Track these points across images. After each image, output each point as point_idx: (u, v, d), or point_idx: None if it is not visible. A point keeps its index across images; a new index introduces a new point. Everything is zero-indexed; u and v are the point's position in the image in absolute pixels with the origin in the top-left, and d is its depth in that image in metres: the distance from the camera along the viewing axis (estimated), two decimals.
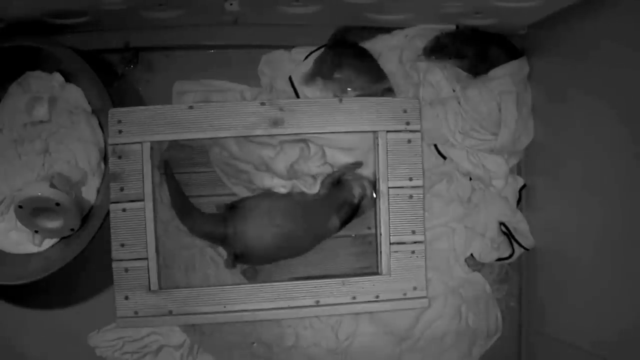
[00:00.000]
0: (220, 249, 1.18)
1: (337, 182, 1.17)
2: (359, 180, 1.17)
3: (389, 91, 1.19)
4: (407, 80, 1.21)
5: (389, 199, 1.14)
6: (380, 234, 1.14)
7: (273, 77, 1.23)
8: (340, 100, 1.13)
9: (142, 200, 1.09)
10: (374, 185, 1.16)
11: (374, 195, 1.17)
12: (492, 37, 1.23)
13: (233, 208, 1.14)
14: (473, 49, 1.22)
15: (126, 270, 1.09)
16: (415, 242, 1.14)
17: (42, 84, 1.17)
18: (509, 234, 1.23)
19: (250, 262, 1.17)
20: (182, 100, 1.21)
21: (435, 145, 1.24)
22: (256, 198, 1.17)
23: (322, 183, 1.17)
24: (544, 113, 1.20)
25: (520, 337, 1.30)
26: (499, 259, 1.25)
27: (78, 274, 1.17)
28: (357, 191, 1.16)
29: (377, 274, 1.16)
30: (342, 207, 1.16)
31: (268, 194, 1.17)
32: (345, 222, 1.17)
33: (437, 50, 1.21)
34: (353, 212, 1.17)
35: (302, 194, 1.16)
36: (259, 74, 1.24)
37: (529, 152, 1.25)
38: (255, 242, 1.12)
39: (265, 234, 1.12)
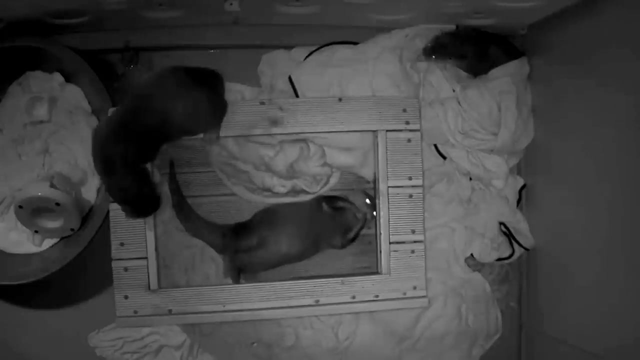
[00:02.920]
0: None
1: (335, 207, 1.17)
2: (356, 209, 1.18)
3: None
4: (407, 80, 1.20)
5: (388, 198, 1.14)
6: (380, 234, 1.15)
7: (273, 77, 1.23)
8: (340, 100, 1.14)
9: None
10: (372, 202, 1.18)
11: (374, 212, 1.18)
12: (492, 37, 1.23)
13: (236, 230, 1.16)
14: (473, 49, 1.22)
15: (126, 269, 1.09)
16: (415, 242, 1.15)
17: (42, 84, 1.17)
18: (509, 234, 1.23)
19: (253, 272, 1.18)
20: None
21: (435, 145, 1.24)
22: (259, 218, 1.17)
23: (328, 201, 1.18)
24: (544, 113, 1.20)
25: (520, 337, 1.30)
26: (499, 259, 1.25)
27: (78, 274, 1.17)
28: (358, 218, 1.17)
29: (376, 273, 1.16)
30: (345, 231, 1.17)
31: (271, 211, 1.17)
32: (348, 243, 1.19)
33: (437, 50, 1.21)
34: (355, 236, 1.18)
35: (310, 208, 1.17)
36: (259, 74, 1.24)
37: (529, 152, 1.25)
38: (260, 260, 1.13)
39: (271, 255, 1.13)
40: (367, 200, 1.18)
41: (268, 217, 1.16)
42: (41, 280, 1.09)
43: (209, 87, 1.03)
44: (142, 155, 0.98)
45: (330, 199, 1.18)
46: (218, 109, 1.07)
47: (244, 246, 1.13)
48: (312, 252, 1.18)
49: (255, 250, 1.13)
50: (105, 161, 0.96)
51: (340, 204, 1.18)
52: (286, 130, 1.13)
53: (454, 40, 1.21)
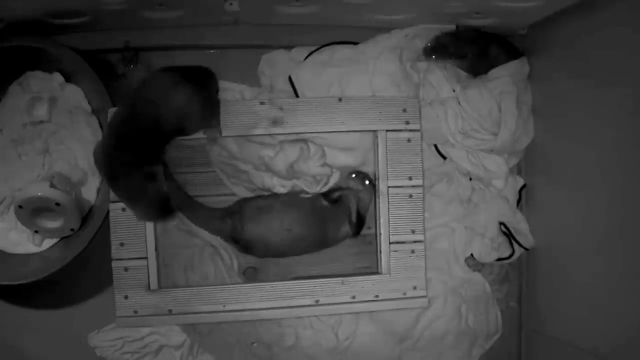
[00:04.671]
0: (222, 250, 1.18)
1: (334, 200, 1.17)
2: (355, 192, 1.17)
3: None
4: (407, 80, 1.20)
5: (388, 198, 1.14)
6: (380, 234, 1.15)
7: (273, 77, 1.23)
8: (340, 100, 1.14)
9: None
10: (368, 178, 1.17)
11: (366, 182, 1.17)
12: (492, 37, 1.23)
13: (245, 201, 1.16)
14: (473, 49, 1.22)
15: (126, 269, 1.09)
16: (415, 242, 1.15)
17: (42, 84, 1.17)
18: (509, 234, 1.23)
19: (254, 253, 1.17)
20: None
21: (435, 145, 1.24)
22: (267, 198, 1.17)
23: (326, 196, 1.17)
24: (544, 113, 1.20)
25: (520, 337, 1.30)
26: (499, 259, 1.25)
27: (78, 274, 1.17)
28: (353, 204, 1.17)
29: (376, 273, 1.16)
30: (349, 215, 1.16)
31: (277, 196, 1.17)
32: (357, 227, 1.17)
33: (438, 50, 1.21)
34: (359, 216, 1.17)
35: (313, 200, 1.17)
36: (259, 74, 1.24)
37: (529, 152, 1.25)
38: (260, 236, 1.13)
39: (271, 232, 1.12)
40: (367, 182, 1.17)
41: (272, 195, 1.17)
42: (41, 280, 1.09)
43: (197, 84, 1.03)
44: (146, 158, 0.99)
45: (326, 194, 1.18)
46: (208, 106, 1.07)
47: (253, 204, 1.13)
48: (317, 244, 1.17)
49: (262, 213, 1.12)
50: (110, 170, 0.98)
51: (337, 193, 1.18)
52: (286, 130, 1.13)
53: (454, 40, 1.21)
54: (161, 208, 1.03)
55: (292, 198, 1.17)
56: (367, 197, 1.17)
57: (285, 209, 1.14)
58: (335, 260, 1.21)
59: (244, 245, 1.14)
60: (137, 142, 0.97)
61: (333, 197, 1.17)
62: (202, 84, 1.04)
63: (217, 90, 1.10)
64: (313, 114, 1.14)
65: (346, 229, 1.16)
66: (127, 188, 0.99)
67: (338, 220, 1.16)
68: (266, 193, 1.19)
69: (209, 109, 1.07)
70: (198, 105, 1.02)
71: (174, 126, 1.01)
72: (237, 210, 1.14)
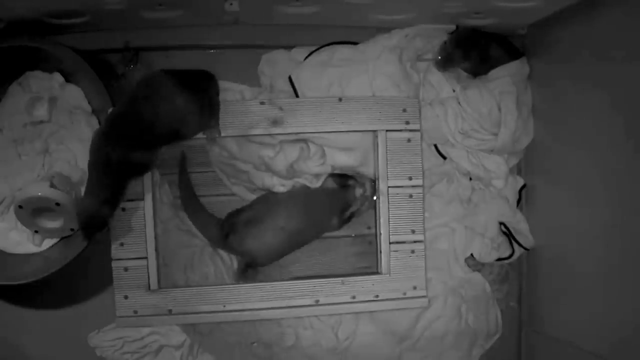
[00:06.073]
0: (222, 251, 1.18)
1: (342, 185, 1.17)
2: (361, 186, 1.18)
3: None
4: (407, 80, 1.20)
5: (388, 198, 1.14)
6: (380, 234, 1.15)
7: (273, 77, 1.23)
8: (340, 100, 1.14)
9: (142, 199, 1.10)
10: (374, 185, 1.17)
11: (374, 197, 1.17)
12: (492, 37, 1.23)
13: (233, 219, 1.16)
14: (476, 52, 1.22)
15: (126, 269, 1.09)
16: (415, 242, 1.15)
17: (42, 84, 1.17)
18: (509, 234, 1.23)
19: (259, 264, 1.18)
20: None
21: (435, 145, 1.24)
22: (255, 205, 1.17)
23: (329, 179, 1.18)
24: (544, 113, 1.20)
25: (520, 337, 1.30)
26: (499, 259, 1.25)
27: (78, 274, 1.17)
28: (357, 196, 1.17)
29: (376, 273, 1.16)
30: (343, 209, 1.16)
31: (265, 198, 1.18)
32: (344, 223, 1.19)
33: (448, 61, 1.20)
34: (351, 215, 1.19)
35: (303, 187, 1.17)
36: (259, 74, 1.24)
37: (529, 152, 1.25)
38: (260, 249, 1.13)
39: (268, 239, 1.13)
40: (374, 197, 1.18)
41: (264, 197, 1.18)
42: (41, 280, 1.09)
43: (196, 90, 1.02)
44: (131, 161, 0.97)
45: (339, 175, 1.19)
46: (207, 110, 1.06)
47: (241, 220, 1.14)
48: (312, 234, 1.18)
49: (253, 226, 1.13)
50: (96, 153, 0.96)
51: (350, 181, 1.18)
52: (286, 130, 1.14)
53: (460, 46, 1.20)
54: (85, 222, 0.99)
55: (281, 195, 1.17)
56: (367, 205, 1.18)
57: (274, 209, 1.14)
58: (335, 261, 1.21)
59: (247, 259, 1.15)
60: (121, 140, 0.96)
61: (345, 183, 1.18)
62: (201, 89, 1.04)
63: (218, 93, 1.09)
64: (313, 114, 1.14)
65: (335, 221, 1.17)
66: (97, 170, 0.97)
67: (333, 209, 1.17)
68: (255, 196, 1.20)
69: (207, 114, 1.07)
70: (195, 112, 1.02)
71: (169, 130, 1.00)
72: (230, 230, 1.14)
